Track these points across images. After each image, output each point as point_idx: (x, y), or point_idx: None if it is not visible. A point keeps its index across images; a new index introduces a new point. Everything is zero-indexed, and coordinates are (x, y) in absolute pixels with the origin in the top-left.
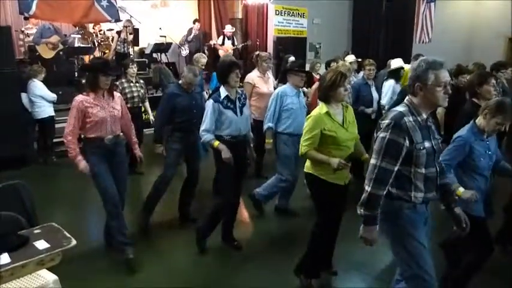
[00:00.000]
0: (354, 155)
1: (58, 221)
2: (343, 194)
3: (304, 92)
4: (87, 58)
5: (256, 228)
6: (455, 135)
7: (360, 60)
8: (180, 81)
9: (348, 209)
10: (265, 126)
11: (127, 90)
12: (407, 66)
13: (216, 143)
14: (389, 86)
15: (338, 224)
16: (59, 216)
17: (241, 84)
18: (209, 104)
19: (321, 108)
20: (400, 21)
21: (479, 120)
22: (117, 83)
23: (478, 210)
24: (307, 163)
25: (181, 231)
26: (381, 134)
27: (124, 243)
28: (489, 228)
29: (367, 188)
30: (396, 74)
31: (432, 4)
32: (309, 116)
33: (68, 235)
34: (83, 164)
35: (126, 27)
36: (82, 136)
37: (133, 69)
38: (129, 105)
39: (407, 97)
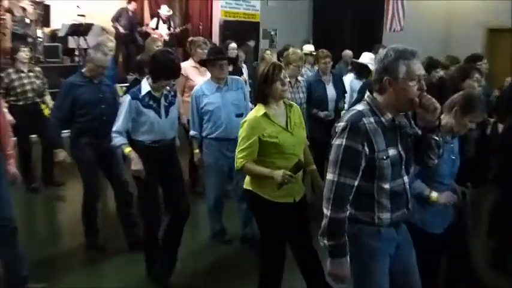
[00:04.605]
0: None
1: None
2: (295, 213)
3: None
4: None
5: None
6: None
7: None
8: (83, 69)
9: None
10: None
11: (16, 84)
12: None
13: (127, 149)
14: (348, 82)
15: (302, 250)
16: None
17: None
18: (125, 101)
19: (257, 110)
20: (369, 5)
21: (445, 119)
22: (2, 74)
23: (433, 226)
24: (247, 178)
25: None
26: (337, 141)
27: None
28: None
29: (326, 212)
30: (360, 69)
31: None
32: (243, 120)
33: None
34: None
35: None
36: None
37: (25, 53)
38: (21, 103)
39: (367, 94)
